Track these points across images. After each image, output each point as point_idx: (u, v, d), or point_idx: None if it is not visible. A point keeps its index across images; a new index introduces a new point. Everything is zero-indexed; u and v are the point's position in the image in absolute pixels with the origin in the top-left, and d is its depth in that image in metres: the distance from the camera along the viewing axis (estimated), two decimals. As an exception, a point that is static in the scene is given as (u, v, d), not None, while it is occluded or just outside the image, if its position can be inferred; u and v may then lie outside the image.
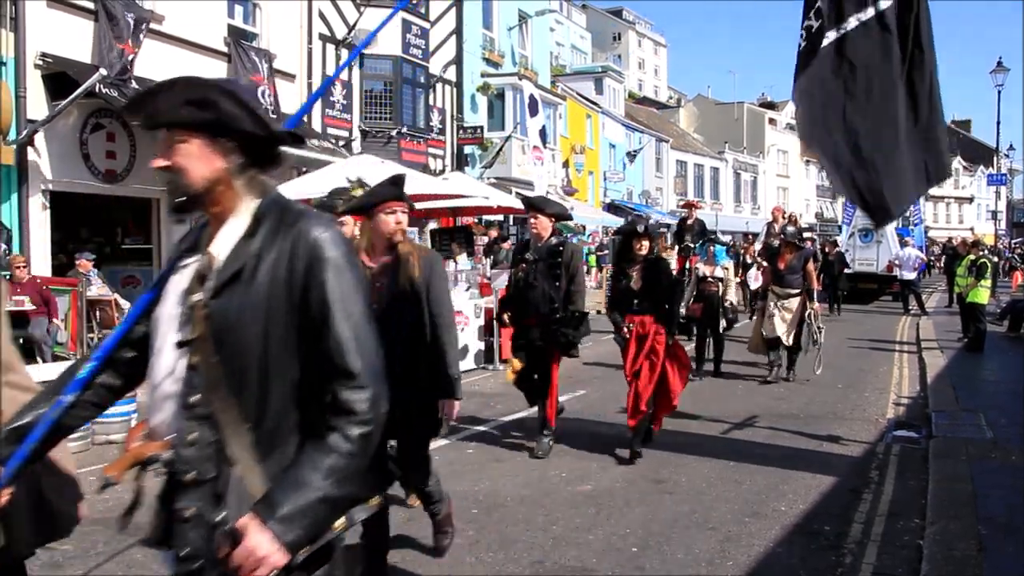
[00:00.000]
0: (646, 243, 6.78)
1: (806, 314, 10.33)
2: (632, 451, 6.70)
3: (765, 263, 11.63)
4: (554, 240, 6.76)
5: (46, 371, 8.02)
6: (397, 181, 4.20)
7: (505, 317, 7.06)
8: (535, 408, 7.18)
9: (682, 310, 10.61)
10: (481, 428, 7.97)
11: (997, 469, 6.40)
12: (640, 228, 6.84)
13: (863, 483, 6.20)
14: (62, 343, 10.15)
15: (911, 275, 21.19)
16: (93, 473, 6.26)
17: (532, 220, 6.81)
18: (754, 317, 11.04)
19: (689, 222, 13.69)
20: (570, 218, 7.53)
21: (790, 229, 11.19)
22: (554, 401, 7.00)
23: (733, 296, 11.22)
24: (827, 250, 22.07)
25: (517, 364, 6.76)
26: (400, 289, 4.07)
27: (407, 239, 4.22)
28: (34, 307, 9.77)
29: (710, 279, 10.93)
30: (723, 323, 10.96)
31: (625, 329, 6.79)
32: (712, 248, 11.32)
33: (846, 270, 22.06)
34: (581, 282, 6.79)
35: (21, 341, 9.71)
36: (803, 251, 10.73)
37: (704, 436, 7.72)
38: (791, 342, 10.35)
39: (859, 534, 5.09)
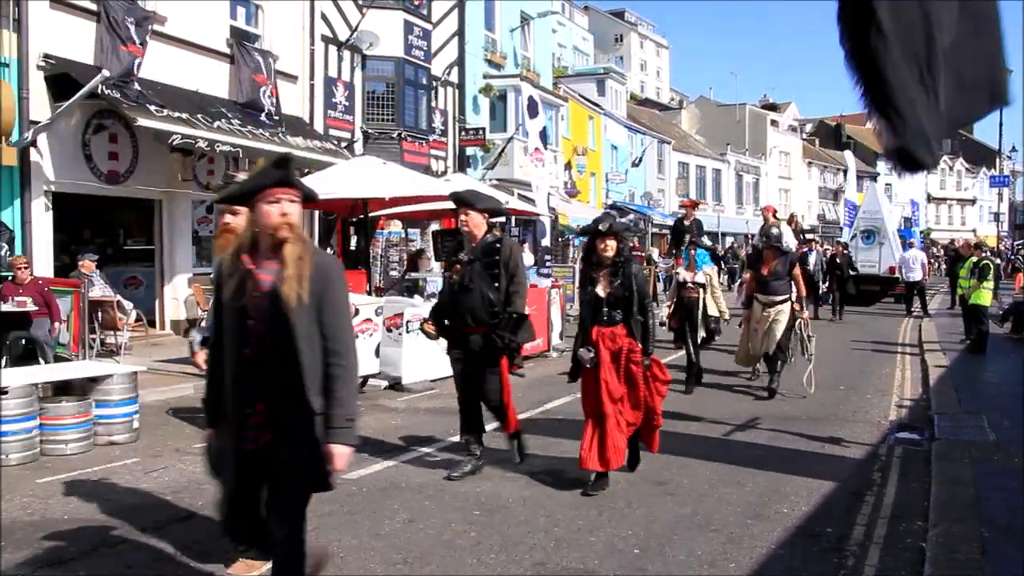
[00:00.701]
0: (612, 243, 5.93)
1: (797, 324, 9.82)
2: (592, 485, 5.92)
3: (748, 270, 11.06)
4: (490, 237, 6.18)
5: (48, 372, 8.03)
6: (282, 162, 3.42)
7: (429, 328, 6.43)
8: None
9: (663, 315, 10.25)
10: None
11: (999, 472, 6.39)
12: (603, 227, 5.94)
13: (865, 485, 6.19)
14: (64, 344, 10.16)
15: (916, 276, 21.16)
16: (95, 474, 6.28)
17: (463, 217, 6.18)
18: (753, 324, 10.03)
19: (687, 222, 12.70)
20: (503, 213, 6.49)
21: (773, 231, 10.46)
22: (512, 410, 6.38)
23: (714, 305, 10.14)
24: (833, 252, 21.78)
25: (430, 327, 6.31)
26: (282, 303, 3.26)
27: (299, 236, 3.37)
28: (36, 308, 9.77)
29: (691, 285, 10.10)
30: (702, 333, 10.09)
31: (585, 354, 5.93)
32: (694, 251, 10.39)
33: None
34: (521, 281, 6.14)
35: (23, 342, 9.73)
36: (788, 255, 10.05)
37: (706, 438, 7.71)
38: (771, 351, 9.69)
39: (861, 536, 5.09)
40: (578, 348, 6.02)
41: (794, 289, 9.95)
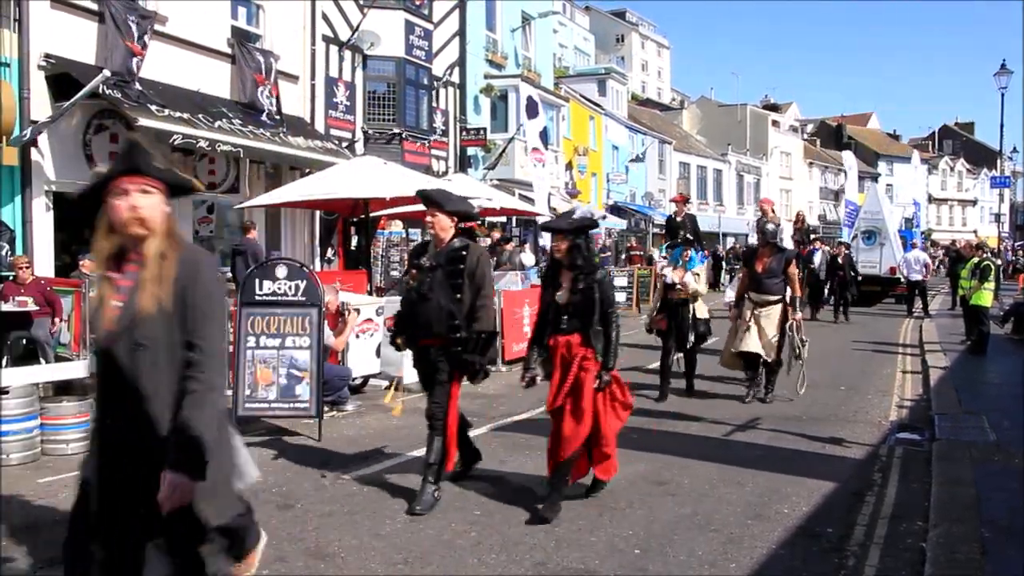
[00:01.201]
0: (563, 245, 5.50)
1: (787, 326, 9.26)
2: (543, 512, 5.31)
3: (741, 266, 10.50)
4: (457, 243, 5.56)
5: (49, 372, 8.04)
6: (129, 149, 2.99)
7: (400, 343, 5.84)
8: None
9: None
10: (484, 429, 7.96)
11: (1000, 472, 6.39)
12: (561, 225, 5.59)
13: (866, 486, 6.19)
14: (65, 344, 10.16)
15: (918, 276, 21.14)
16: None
17: (429, 219, 5.67)
18: (740, 324, 9.42)
19: (679, 218, 11.92)
20: (475, 218, 6.16)
21: (769, 227, 9.79)
22: (453, 437, 5.71)
23: (703, 307, 9.65)
24: (834, 252, 21.52)
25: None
26: (141, 313, 2.84)
27: (158, 230, 2.91)
28: (37, 308, 9.77)
29: (679, 287, 9.43)
30: (691, 339, 9.47)
31: (533, 368, 5.68)
32: (687, 253, 9.65)
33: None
34: (489, 295, 5.59)
35: (24, 342, 9.73)
36: (785, 252, 9.56)
37: (706, 438, 7.71)
38: (773, 357, 9.23)
39: (862, 537, 5.09)
40: (532, 358, 5.70)
41: (790, 289, 9.55)
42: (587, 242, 5.63)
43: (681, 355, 9.79)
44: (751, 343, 9.09)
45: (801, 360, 9.44)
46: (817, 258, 19.80)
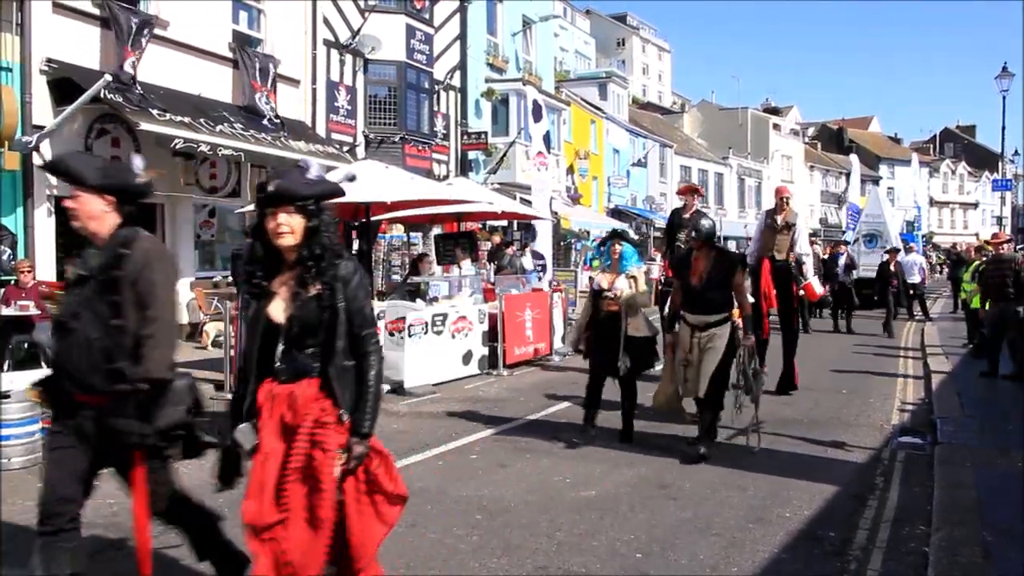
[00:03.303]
0: (287, 219, 3.23)
1: (738, 354, 7.13)
2: None
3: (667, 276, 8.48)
4: (122, 235, 3.54)
5: (50, 376, 8.03)
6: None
7: (33, 396, 3.79)
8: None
9: (561, 343, 8.20)
10: (485, 433, 7.96)
11: (1002, 475, 6.37)
12: (292, 187, 3.24)
13: (868, 489, 6.18)
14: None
15: (915, 279, 21.13)
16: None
17: (71, 202, 3.58)
18: (679, 354, 7.18)
19: (687, 215, 9.66)
20: (142, 193, 3.72)
21: (704, 224, 7.27)
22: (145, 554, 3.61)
23: (642, 323, 7.41)
24: (830, 252, 21.01)
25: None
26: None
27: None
28: (39, 312, 9.78)
29: (610, 295, 7.35)
30: (624, 363, 7.22)
31: (245, 436, 3.31)
32: (618, 247, 7.52)
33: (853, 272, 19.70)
34: (160, 316, 3.48)
35: (26, 346, 9.74)
36: (727, 257, 7.27)
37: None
38: (703, 394, 6.90)
39: (864, 540, 5.08)
40: (240, 419, 3.35)
41: (768, 302, 8.65)
42: (329, 220, 3.33)
43: (620, 387, 7.54)
44: (692, 383, 6.99)
45: (754, 397, 7.30)
46: (841, 262, 18.88)
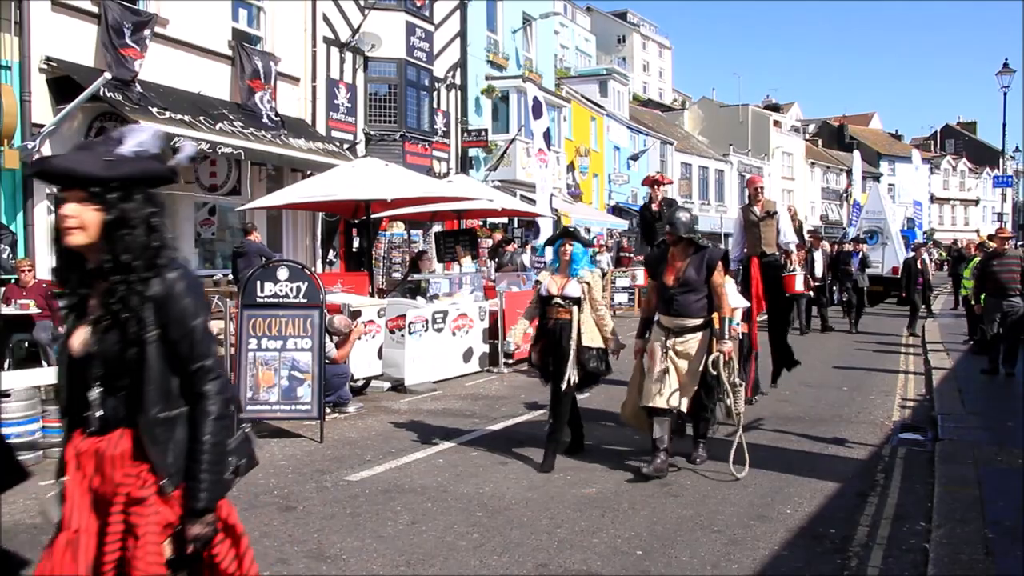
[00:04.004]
0: (77, 210, 2.39)
1: (709, 361, 6.24)
2: None
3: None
4: None
5: (51, 375, 8.03)
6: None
7: None
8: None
9: (509, 346, 7.18)
10: (486, 431, 7.96)
11: (1004, 472, 6.37)
12: (85, 167, 2.39)
13: (869, 486, 6.18)
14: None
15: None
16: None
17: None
18: (646, 362, 6.47)
19: (655, 207, 9.28)
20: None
21: (681, 216, 6.43)
22: None
23: (595, 331, 6.62)
24: (837, 250, 19.89)
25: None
26: None
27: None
28: (39, 310, 9.78)
29: (559, 302, 6.57)
30: (572, 374, 6.47)
31: (50, 508, 2.55)
32: (568, 248, 6.65)
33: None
34: None
35: (26, 344, 9.74)
36: (706, 252, 6.39)
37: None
38: (687, 407, 6.33)
39: (865, 538, 5.07)
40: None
41: (759, 305, 8.14)
42: (140, 212, 2.45)
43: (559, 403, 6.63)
44: (662, 394, 6.21)
45: (734, 415, 6.45)
46: (855, 263, 18.17)
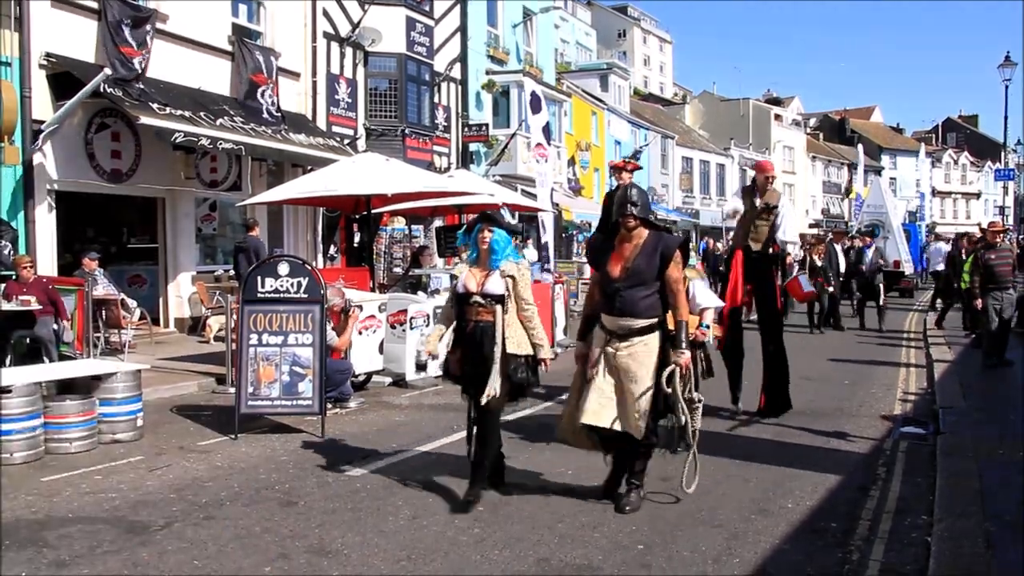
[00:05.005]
0: None
1: (663, 375, 5.12)
2: None
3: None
4: None
5: (52, 370, 8.05)
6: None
7: None
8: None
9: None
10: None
11: (1005, 466, 6.36)
12: None
13: (870, 480, 6.18)
14: (68, 342, 10.17)
15: (941, 267, 20.88)
16: (99, 472, 6.29)
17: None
18: (593, 375, 5.40)
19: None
20: None
21: (633, 193, 5.30)
22: None
23: (520, 336, 5.48)
24: (848, 245, 19.01)
25: None
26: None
27: None
28: (40, 307, 9.78)
29: (479, 300, 5.46)
30: (495, 387, 5.36)
31: None
32: (487, 236, 5.49)
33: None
34: None
35: (27, 340, 9.74)
36: (661, 238, 5.29)
37: (710, 433, 7.64)
38: (641, 432, 5.20)
39: (866, 531, 5.07)
40: None
41: (734, 300, 7.63)
42: None
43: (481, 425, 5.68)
44: (603, 410, 5.27)
45: (686, 436, 5.39)
46: (868, 257, 17.07)
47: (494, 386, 5.36)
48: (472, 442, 5.70)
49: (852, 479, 6.17)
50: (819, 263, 16.19)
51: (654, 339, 5.24)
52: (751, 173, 9.29)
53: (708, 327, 6.56)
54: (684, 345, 5.17)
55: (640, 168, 8.25)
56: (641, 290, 5.21)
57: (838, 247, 17.66)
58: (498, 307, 5.42)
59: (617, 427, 5.25)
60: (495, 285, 5.43)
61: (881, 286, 16.85)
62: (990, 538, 4.75)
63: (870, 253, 17.16)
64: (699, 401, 5.39)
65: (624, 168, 7.70)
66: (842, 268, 17.29)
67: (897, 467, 6.54)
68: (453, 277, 5.68)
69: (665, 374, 5.12)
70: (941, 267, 20.77)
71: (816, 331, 15.69)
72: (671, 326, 5.28)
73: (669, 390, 5.14)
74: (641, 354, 5.22)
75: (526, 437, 7.43)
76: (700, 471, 5.58)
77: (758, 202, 8.38)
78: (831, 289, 16.41)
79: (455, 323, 5.67)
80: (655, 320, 5.26)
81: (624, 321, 5.25)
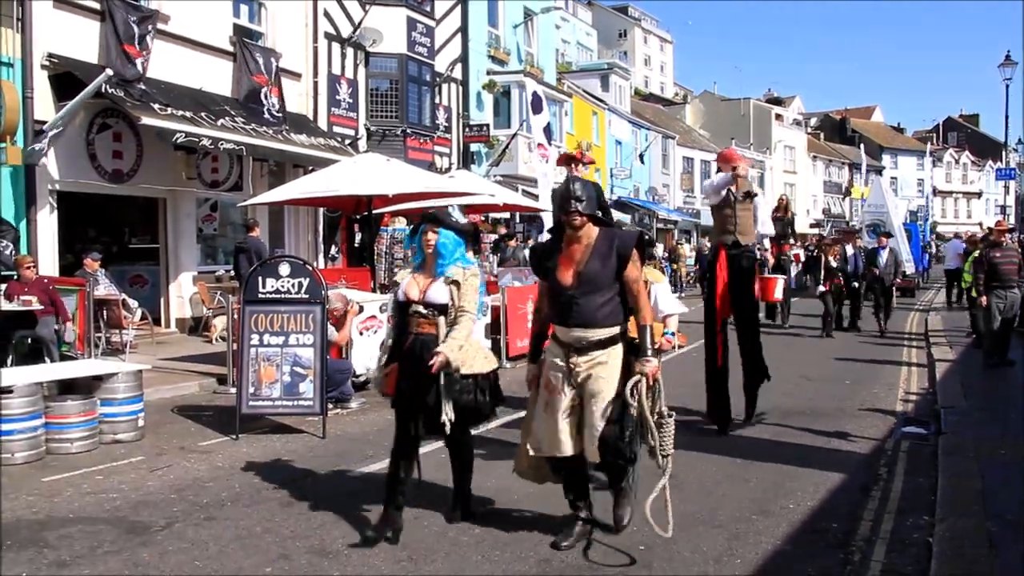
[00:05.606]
0: None
1: (629, 389, 4.41)
2: None
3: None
4: None
5: (53, 371, 8.05)
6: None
7: None
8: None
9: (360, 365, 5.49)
10: (488, 426, 7.92)
11: (1007, 465, 6.35)
12: None
13: (871, 480, 6.17)
14: (70, 343, 10.18)
15: (955, 265, 20.75)
16: (100, 472, 6.29)
17: None
18: (543, 394, 4.76)
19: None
20: None
21: (576, 188, 4.57)
22: None
23: (478, 356, 4.96)
24: (850, 244, 17.89)
25: None
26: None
27: None
28: (42, 307, 9.78)
29: (420, 310, 4.87)
30: (448, 410, 4.74)
31: None
32: (432, 237, 4.88)
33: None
34: None
35: (28, 340, 9.74)
36: (615, 236, 4.65)
37: (711, 433, 7.68)
38: (597, 454, 4.53)
39: (867, 532, 5.06)
40: None
41: (724, 310, 7.09)
42: None
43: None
44: (563, 438, 4.61)
45: (659, 458, 4.57)
46: (883, 258, 16.20)
47: (447, 412, 4.73)
48: (399, 469, 4.96)
49: (853, 479, 6.16)
50: (834, 264, 15.76)
51: (617, 351, 4.58)
52: (752, 173, 8.83)
53: (673, 334, 6.15)
54: (650, 352, 4.50)
55: (593, 162, 6.75)
56: (598, 296, 4.53)
57: (849, 248, 16.99)
58: (441, 318, 4.81)
59: (586, 452, 4.59)
60: (438, 293, 4.81)
61: (893, 288, 16.46)
62: (992, 538, 4.74)
63: (885, 254, 16.31)
64: (670, 416, 4.57)
65: (580, 160, 6.94)
66: (860, 270, 16.52)
67: (898, 467, 6.53)
68: (395, 284, 5.09)
69: (629, 385, 4.40)
70: (954, 265, 20.71)
71: (824, 335, 15.16)
72: (634, 333, 4.64)
73: (635, 403, 4.42)
74: (604, 368, 4.53)
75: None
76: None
77: (734, 190, 7.73)
78: (855, 285, 15.87)
79: (393, 336, 5.02)
80: (617, 330, 4.59)
81: (581, 332, 4.54)
